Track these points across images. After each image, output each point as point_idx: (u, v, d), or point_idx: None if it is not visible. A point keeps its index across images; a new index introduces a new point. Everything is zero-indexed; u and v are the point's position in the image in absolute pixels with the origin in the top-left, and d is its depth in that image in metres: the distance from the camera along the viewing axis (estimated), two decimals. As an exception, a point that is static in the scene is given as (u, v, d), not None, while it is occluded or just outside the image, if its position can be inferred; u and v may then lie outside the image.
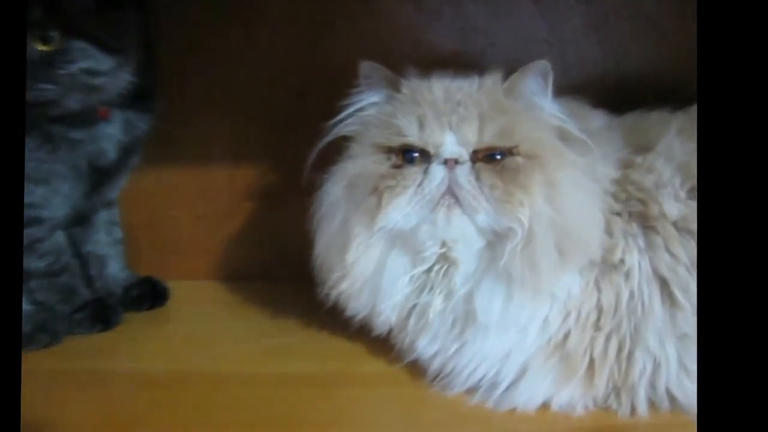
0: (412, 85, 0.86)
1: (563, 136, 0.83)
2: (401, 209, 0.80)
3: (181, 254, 1.24)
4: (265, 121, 1.19)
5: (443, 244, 0.82)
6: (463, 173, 0.79)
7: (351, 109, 0.89)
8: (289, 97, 1.17)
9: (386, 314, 0.85)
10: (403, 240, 0.83)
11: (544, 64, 0.83)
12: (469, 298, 0.81)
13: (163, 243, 1.24)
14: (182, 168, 1.21)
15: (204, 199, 1.22)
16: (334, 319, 0.92)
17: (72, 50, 0.88)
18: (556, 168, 0.80)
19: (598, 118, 0.90)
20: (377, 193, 0.82)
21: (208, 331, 1.06)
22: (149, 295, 1.13)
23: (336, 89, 0.89)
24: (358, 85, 0.89)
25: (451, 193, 0.79)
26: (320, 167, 0.89)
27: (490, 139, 0.81)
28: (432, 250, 0.82)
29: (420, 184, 0.80)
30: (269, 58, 1.17)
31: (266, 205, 1.22)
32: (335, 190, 0.87)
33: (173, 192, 1.22)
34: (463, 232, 0.80)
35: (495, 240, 0.80)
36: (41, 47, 0.87)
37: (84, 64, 0.89)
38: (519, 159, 0.80)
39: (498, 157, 0.81)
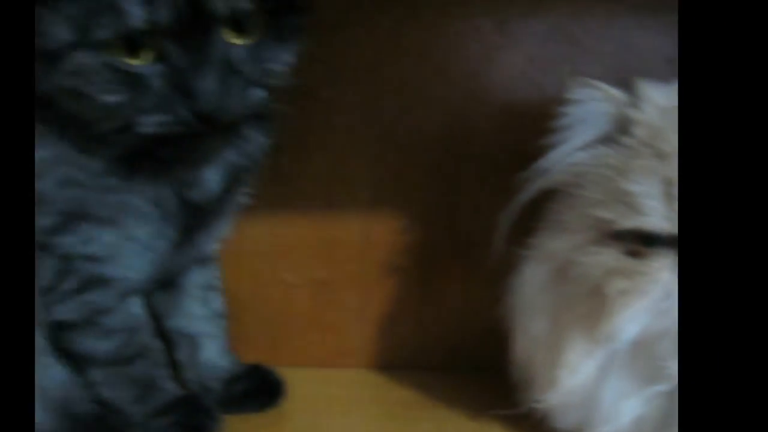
0: (651, 119, 0.61)
1: None
2: (638, 321, 0.60)
3: (297, 333, 0.94)
4: (415, 157, 0.89)
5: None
6: None
7: (554, 155, 0.67)
8: (451, 127, 0.88)
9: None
10: (634, 352, 0.63)
11: None
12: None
13: (273, 318, 0.94)
14: (300, 218, 0.91)
15: (328, 260, 0.92)
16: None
17: (275, 41, 0.63)
18: None
19: None
20: (601, 295, 0.61)
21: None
22: (259, 391, 0.82)
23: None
24: (564, 114, 0.66)
25: None
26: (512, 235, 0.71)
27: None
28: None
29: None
30: (422, 73, 0.88)
31: (412, 272, 0.92)
32: (537, 276, 0.68)
33: (287, 250, 0.92)
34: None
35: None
36: (235, 39, 0.60)
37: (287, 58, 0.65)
38: None
39: None
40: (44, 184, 0.64)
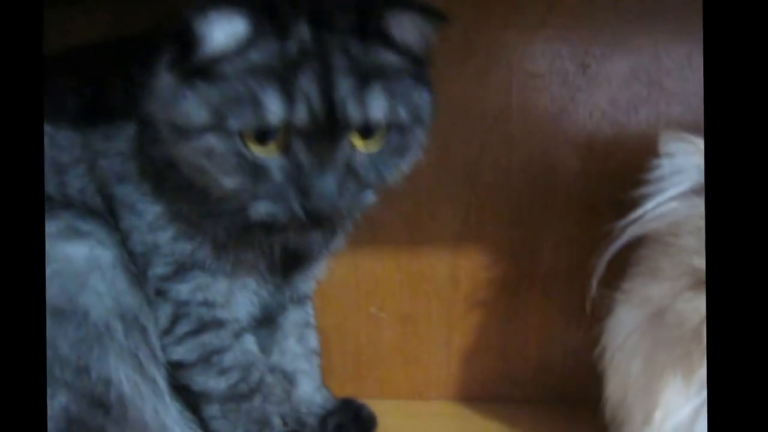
0: None
1: None
2: None
3: (383, 366, 0.97)
4: (499, 195, 0.91)
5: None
6: None
7: (649, 205, 0.68)
8: (534, 166, 0.91)
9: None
10: None
11: None
12: None
13: (359, 350, 0.97)
14: (386, 255, 0.94)
15: (414, 295, 0.95)
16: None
17: (396, 151, 0.64)
18: None
19: None
20: (699, 340, 0.63)
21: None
22: (352, 424, 0.84)
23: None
24: (657, 166, 0.68)
25: None
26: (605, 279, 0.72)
27: None
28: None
29: None
30: (506, 113, 0.90)
31: (496, 306, 0.94)
32: (633, 319, 0.70)
33: (374, 286, 0.95)
34: None
35: None
36: (360, 145, 0.61)
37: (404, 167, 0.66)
38: None
39: None
40: (160, 238, 0.67)
